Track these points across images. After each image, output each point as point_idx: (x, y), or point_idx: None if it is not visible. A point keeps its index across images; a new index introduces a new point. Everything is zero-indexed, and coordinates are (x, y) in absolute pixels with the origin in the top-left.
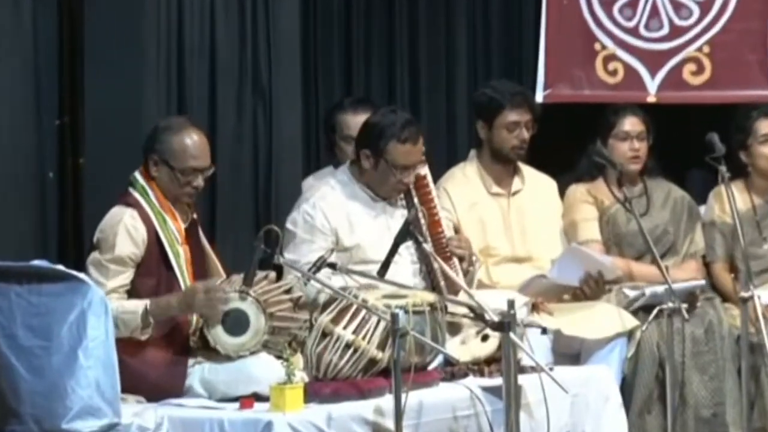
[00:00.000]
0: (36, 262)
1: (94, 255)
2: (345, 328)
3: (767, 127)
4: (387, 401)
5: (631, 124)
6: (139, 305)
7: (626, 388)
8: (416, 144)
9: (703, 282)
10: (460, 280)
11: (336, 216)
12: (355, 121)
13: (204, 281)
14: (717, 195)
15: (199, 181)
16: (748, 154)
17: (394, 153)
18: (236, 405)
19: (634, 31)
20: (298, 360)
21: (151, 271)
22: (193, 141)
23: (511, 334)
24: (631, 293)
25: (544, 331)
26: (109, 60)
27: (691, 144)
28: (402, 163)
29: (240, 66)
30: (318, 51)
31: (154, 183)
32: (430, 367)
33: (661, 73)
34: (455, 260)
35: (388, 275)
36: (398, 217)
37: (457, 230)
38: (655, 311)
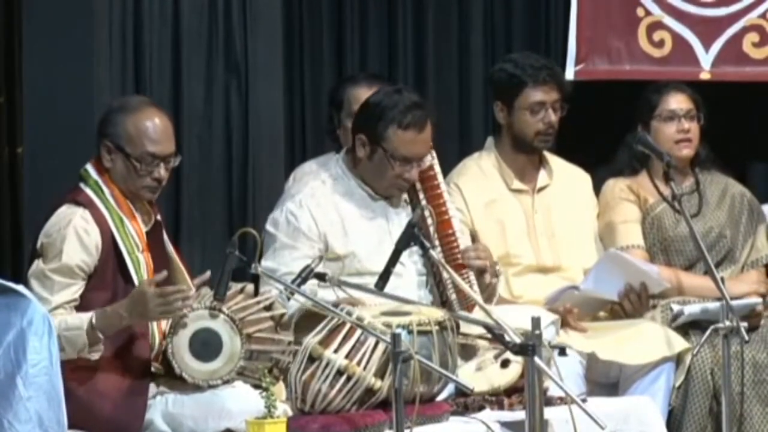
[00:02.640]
0: None
1: (37, 264)
2: (336, 351)
3: None
4: None
5: (677, 101)
6: (83, 319)
7: (674, 423)
8: (421, 132)
9: (759, 300)
10: (475, 293)
11: (326, 218)
12: (368, 96)
13: (152, 280)
14: None
15: (161, 172)
16: None
17: (394, 140)
18: None
19: None
20: (280, 390)
21: (106, 284)
22: (153, 123)
23: (537, 359)
24: (680, 309)
25: (563, 352)
26: (52, 28)
27: (753, 130)
28: (402, 154)
29: (209, 35)
30: (303, 18)
31: (110, 179)
32: (439, 398)
33: (717, 45)
34: (469, 270)
35: (389, 288)
36: (402, 219)
37: (473, 237)
38: (708, 331)
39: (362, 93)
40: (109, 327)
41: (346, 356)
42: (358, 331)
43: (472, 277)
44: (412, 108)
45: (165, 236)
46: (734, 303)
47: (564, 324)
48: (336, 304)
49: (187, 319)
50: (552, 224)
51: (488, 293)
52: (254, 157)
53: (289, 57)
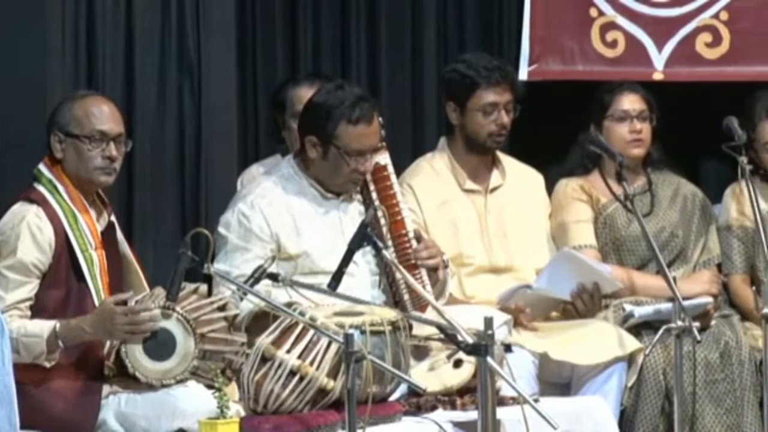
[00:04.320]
0: None
1: None
2: (289, 351)
3: None
4: None
5: (630, 101)
6: (45, 327)
7: (626, 423)
8: (371, 124)
9: (710, 300)
10: (427, 293)
11: (278, 218)
12: (311, 95)
13: (116, 298)
14: (734, 193)
15: (112, 151)
16: (759, 159)
17: (346, 136)
18: None
19: None
20: (233, 390)
21: (59, 282)
22: (99, 107)
23: (489, 359)
24: (631, 310)
25: (508, 349)
26: (5, 27)
27: (706, 131)
28: (356, 148)
29: (162, 35)
30: (256, 18)
31: (63, 173)
32: (392, 398)
33: (670, 45)
34: (422, 269)
35: (342, 288)
36: (355, 219)
37: (419, 238)
38: (661, 331)
39: (304, 93)
40: (71, 339)
41: (299, 357)
42: (311, 332)
43: (425, 277)
44: (358, 102)
45: (120, 236)
46: (686, 303)
47: (516, 323)
48: (289, 305)
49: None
50: (504, 224)
51: (439, 286)
52: (207, 156)
53: (242, 57)
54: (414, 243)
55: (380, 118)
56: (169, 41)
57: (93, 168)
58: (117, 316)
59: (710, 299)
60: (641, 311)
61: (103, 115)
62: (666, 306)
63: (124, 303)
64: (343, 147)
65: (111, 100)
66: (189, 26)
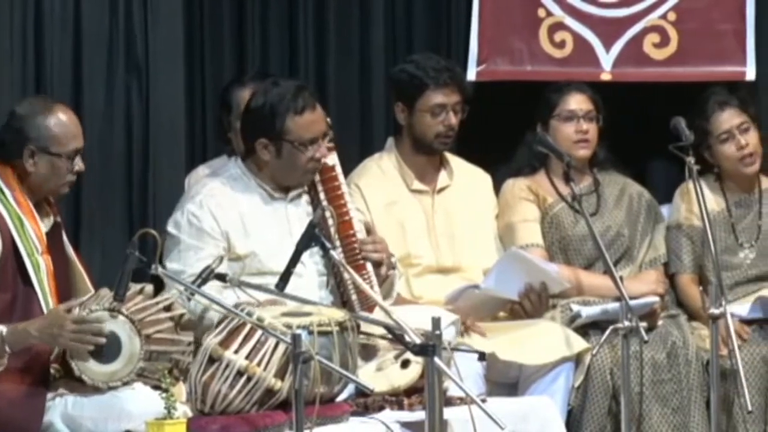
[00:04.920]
0: None
1: None
2: (236, 352)
3: (726, 122)
4: None
5: (576, 102)
6: None
7: (573, 423)
8: (315, 110)
9: (656, 299)
10: (375, 294)
11: (227, 218)
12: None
13: (67, 305)
14: (684, 193)
15: (81, 165)
16: (711, 154)
17: (295, 128)
18: None
19: None
20: (180, 391)
21: (6, 286)
22: (68, 119)
23: (436, 359)
24: (578, 311)
25: (482, 357)
26: None
27: (653, 131)
28: (308, 137)
29: (110, 36)
30: (204, 18)
31: (13, 180)
32: (339, 399)
33: (618, 46)
34: (369, 269)
35: (289, 288)
36: (303, 219)
37: (369, 231)
38: (608, 331)
39: (248, 93)
40: (18, 343)
41: (247, 357)
42: (259, 332)
43: (373, 277)
44: (299, 92)
45: (65, 238)
46: (633, 303)
47: (465, 329)
48: (236, 305)
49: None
50: (452, 225)
51: (386, 287)
52: (155, 157)
53: (190, 57)
54: (363, 236)
55: (328, 119)
56: (117, 41)
57: (63, 183)
58: (67, 323)
59: (657, 299)
60: (588, 311)
61: (77, 131)
62: (613, 306)
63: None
64: (296, 139)
65: (66, 107)
66: (137, 26)
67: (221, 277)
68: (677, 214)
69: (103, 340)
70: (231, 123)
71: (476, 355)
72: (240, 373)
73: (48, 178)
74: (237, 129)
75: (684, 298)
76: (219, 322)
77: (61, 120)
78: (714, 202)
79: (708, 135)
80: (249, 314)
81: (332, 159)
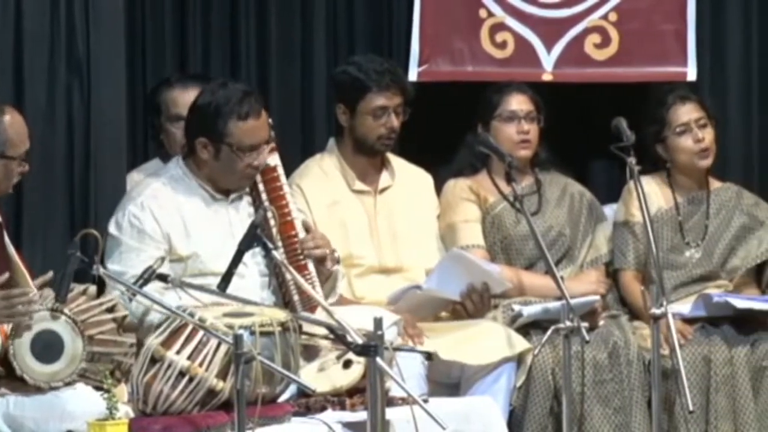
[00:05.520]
0: None
1: None
2: (178, 352)
3: (685, 115)
4: None
5: (517, 102)
6: None
7: (515, 423)
8: (259, 117)
9: (597, 297)
10: (317, 294)
11: (168, 219)
12: (184, 97)
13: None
14: (630, 191)
15: (26, 165)
16: (666, 148)
17: (237, 133)
18: None
19: None
20: (122, 391)
21: None
22: (17, 122)
23: (378, 360)
24: (519, 310)
25: (429, 357)
26: None
27: (595, 131)
28: (248, 143)
29: (51, 36)
30: (146, 19)
31: None
32: (281, 399)
33: (559, 46)
34: (311, 270)
35: (231, 289)
36: (244, 220)
37: (308, 229)
38: (549, 331)
39: (177, 95)
40: None
41: (189, 357)
42: (201, 333)
43: (315, 278)
44: (245, 97)
45: (6, 238)
46: (573, 301)
47: (406, 334)
48: (178, 306)
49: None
50: (394, 225)
51: (330, 283)
52: (96, 157)
53: (132, 58)
54: (303, 235)
55: (270, 119)
56: (58, 41)
57: (12, 184)
58: None
59: (597, 297)
60: (530, 310)
61: (26, 132)
62: (554, 305)
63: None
64: (236, 144)
65: (11, 107)
66: (78, 26)
67: (163, 278)
68: (623, 210)
69: (34, 309)
70: (162, 125)
71: (419, 356)
72: (182, 374)
73: (1, 181)
74: (168, 131)
75: (626, 295)
76: (160, 323)
77: (13, 122)
78: (663, 199)
79: (665, 127)
80: (191, 315)
81: (274, 160)
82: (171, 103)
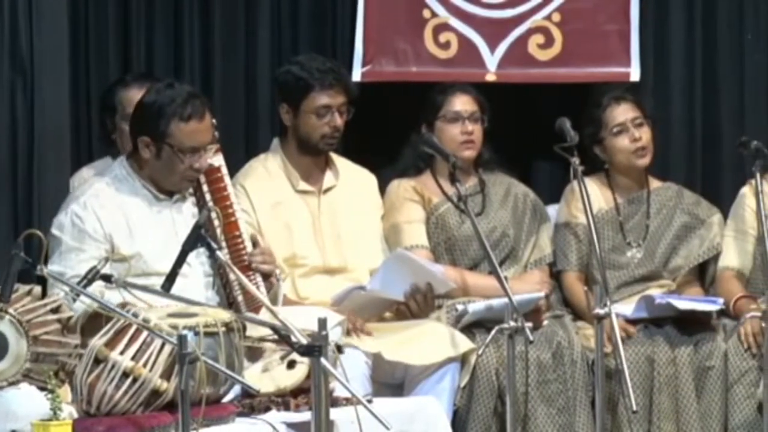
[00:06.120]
0: None
1: None
2: (122, 353)
3: (621, 115)
4: None
5: (461, 103)
6: None
7: (459, 423)
8: (203, 120)
9: (541, 294)
10: (261, 294)
11: (111, 219)
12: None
13: None
14: (572, 191)
15: None
16: (604, 149)
17: (179, 134)
18: None
19: None
20: (66, 392)
21: None
22: None
23: (323, 360)
24: (464, 308)
25: (340, 349)
26: None
27: (538, 132)
28: (189, 145)
29: None
30: (89, 18)
31: None
32: (225, 400)
33: (502, 47)
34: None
35: (175, 289)
36: (188, 220)
37: (255, 243)
38: (493, 331)
39: (134, 95)
40: None
41: (132, 358)
42: (145, 333)
43: (259, 278)
44: (189, 99)
45: None
46: (517, 298)
47: (350, 331)
48: (122, 306)
49: None
50: (338, 225)
51: (272, 296)
52: (40, 157)
53: (75, 56)
54: (249, 246)
55: (214, 120)
56: (1, 41)
57: None
58: None
59: (542, 293)
60: (474, 307)
61: None
62: (498, 302)
63: None
64: (177, 145)
65: None
66: (22, 25)
67: (107, 278)
68: (565, 211)
69: None
70: (116, 124)
71: (363, 356)
72: (126, 374)
73: None
74: (122, 130)
75: (569, 296)
76: (100, 323)
77: None
78: (603, 200)
79: (602, 128)
80: (135, 315)
81: (218, 160)
82: (127, 103)
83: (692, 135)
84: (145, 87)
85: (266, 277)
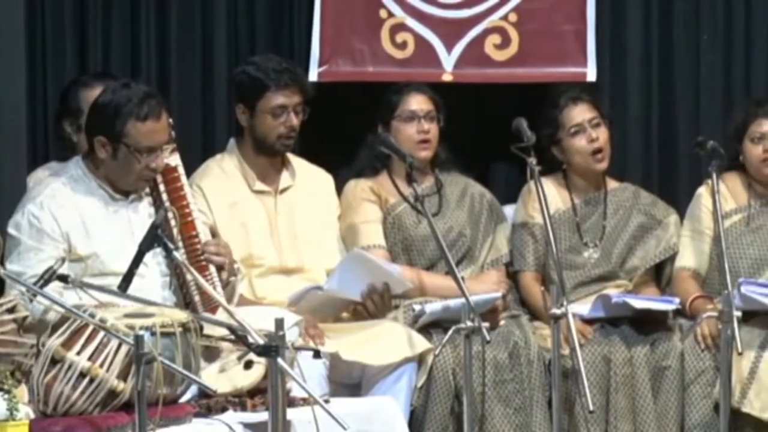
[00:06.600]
0: None
1: None
2: (79, 353)
3: (578, 116)
4: None
5: (417, 102)
6: None
7: (416, 423)
8: (159, 120)
9: (499, 294)
10: (218, 294)
11: (68, 219)
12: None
13: None
14: (529, 192)
15: None
16: (561, 149)
17: (135, 134)
18: None
19: None
20: (23, 392)
21: None
22: None
23: (279, 360)
24: (421, 308)
25: (317, 354)
26: None
27: (495, 132)
28: (146, 145)
29: None
30: (46, 17)
31: None
32: (182, 400)
33: (459, 47)
34: (212, 270)
35: (132, 289)
36: (145, 220)
37: (213, 234)
38: (450, 331)
39: (94, 93)
40: None
41: (89, 358)
42: (101, 333)
43: (216, 279)
44: (146, 98)
45: None
46: (475, 298)
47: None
48: (78, 306)
49: None
50: (295, 225)
51: (228, 292)
52: None
53: (32, 56)
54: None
55: (170, 120)
56: None
57: None
58: None
59: (499, 293)
60: (432, 307)
61: None
62: (455, 302)
63: None
64: (133, 145)
65: None
66: None
67: (63, 278)
68: (522, 211)
69: None
70: (81, 125)
71: (312, 354)
72: (83, 375)
73: None
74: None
75: (526, 296)
76: (57, 324)
77: None
78: (560, 200)
79: (559, 128)
80: (91, 315)
81: (175, 160)
82: (87, 104)
83: (648, 135)
84: (106, 85)
85: (219, 268)
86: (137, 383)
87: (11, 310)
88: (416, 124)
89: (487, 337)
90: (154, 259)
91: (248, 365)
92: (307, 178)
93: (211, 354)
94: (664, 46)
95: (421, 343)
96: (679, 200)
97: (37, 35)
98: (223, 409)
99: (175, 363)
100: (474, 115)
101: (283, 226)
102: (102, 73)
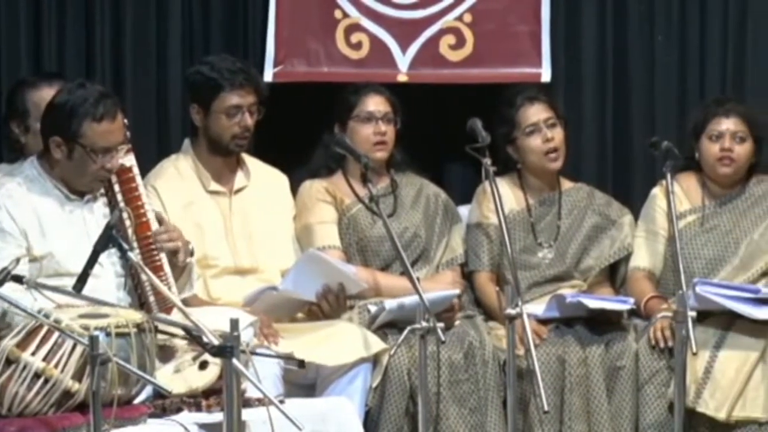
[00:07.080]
0: None
1: None
2: (34, 354)
3: (534, 116)
4: None
5: (375, 103)
6: None
7: (371, 424)
8: (115, 120)
9: (456, 292)
10: (173, 295)
11: (24, 218)
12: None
13: None
14: (484, 192)
15: None
16: (516, 149)
17: (91, 134)
18: None
19: None
20: None
21: None
22: None
23: (234, 361)
24: (381, 306)
25: (302, 365)
26: None
27: (450, 133)
28: (102, 145)
29: None
30: (1, 18)
31: None
32: (137, 401)
33: (414, 47)
34: (167, 271)
35: (87, 290)
36: (100, 220)
37: (160, 221)
38: (405, 332)
39: (45, 94)
40: None
41: (44, 359)
42: (56, 334)
43: (171, 279)
44: (101, 99)
45: None
46: (432, 295)
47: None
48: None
49: None
50: (249, 226)
51: (185, 277)
52: None
53: None
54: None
55: (125, 120)
56: None
57: None
58: None
59: (456, 291)
60: (389, 305)
61: None
62: (410, 299)
63: None
64: (89, 145)
65: None
66: None
67: (18, 279)
68: (477, 212)
69: None
70: (29, 126)
71: (297, 364)
72: (37, 375)
73: None
74: (36, 130)
75: (481, 297)
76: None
77: None
78: (515, 200)
79: (514, 128)
80: (46, 316)
81: (129, 160)
82: (43, 103)
83: (603, 136)
84: (54, 86)
85: (173, 254)
86: (92, 384)
87: None
88: (373, 126)
89: (442, 338)
90: (109, 259)
91: (203, 366)
92: (262, 178)
93: (166, 354)
94: (619, 47)
95: (376, 344)
96: (634, 200)
97: None
98: (178, 410)
99: (129, 363)
100: (429, 115)
101: (238, 227)
102: (49, 74)
